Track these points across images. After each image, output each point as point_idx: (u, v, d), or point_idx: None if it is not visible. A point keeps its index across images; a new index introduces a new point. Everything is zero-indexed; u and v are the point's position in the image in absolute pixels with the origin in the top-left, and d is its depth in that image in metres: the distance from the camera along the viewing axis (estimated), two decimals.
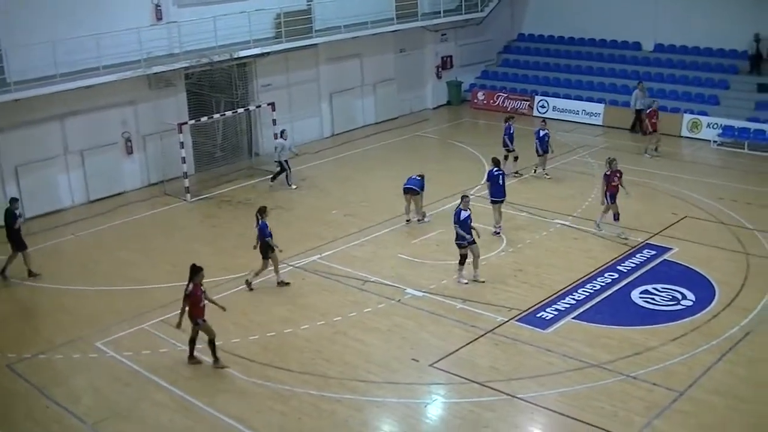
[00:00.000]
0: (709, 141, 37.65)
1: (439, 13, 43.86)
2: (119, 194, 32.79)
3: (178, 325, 19.26)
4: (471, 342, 20.34)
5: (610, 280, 23.52)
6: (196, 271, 19.30)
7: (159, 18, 33.45)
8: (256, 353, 20.18)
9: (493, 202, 27.08)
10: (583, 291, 22.87)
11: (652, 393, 17.91)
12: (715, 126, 37.95)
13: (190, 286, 19.16)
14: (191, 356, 19.84)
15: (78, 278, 25.32)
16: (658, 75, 42.42)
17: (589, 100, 42.72)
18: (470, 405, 17.89)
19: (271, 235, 23.38)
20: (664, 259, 24.98)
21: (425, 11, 43.86)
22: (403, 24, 42.03)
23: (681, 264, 24.61)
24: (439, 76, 46.27)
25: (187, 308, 19.17)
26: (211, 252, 26.75)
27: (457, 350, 19.99)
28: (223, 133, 36.25)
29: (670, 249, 25.58)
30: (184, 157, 31.81)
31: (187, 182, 31.77)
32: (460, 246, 23.08)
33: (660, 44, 44.11)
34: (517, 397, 17.98)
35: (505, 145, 32.87)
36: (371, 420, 17.79)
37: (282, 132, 32.66)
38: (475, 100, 45.97)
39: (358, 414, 17.78)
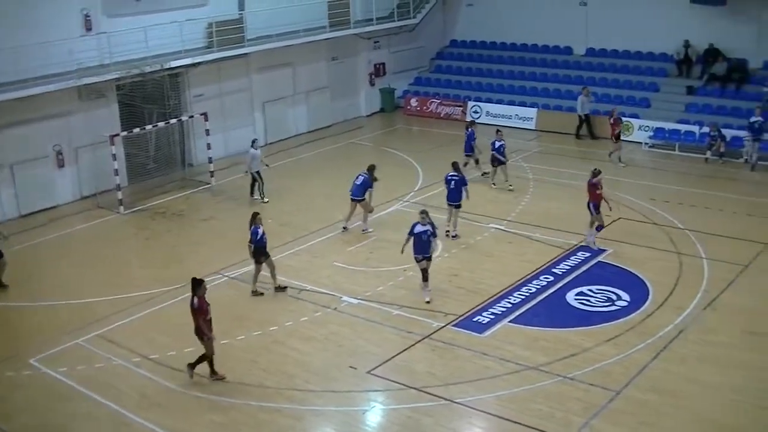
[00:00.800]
0: (641, 143, 38.12)
1: (372, 20, 43.87)
2: (52, 208, 32.19)
3: (208, 339, 18.98)
4: (408, 348, 20.33)
5: (545, 283, 23.66)
6: (198, 284, 18.93)
7: (89, 28, 32.88)
8: None
9: (448, 205, 27.25)
10: (519, 294, 22.96)
11: (589, 393, 18.05)
12: (647, 128, 38.42)
13: (195, 300, 18.83)
14: (213, 372, 19.37)
15: (11, 294, 24.84)
16: (590, 79, 42.80)
17: (522, 104, 42.98)
18: (408, 411, 17.87)
19: (263, 241, 23.17)
20: (599, 261, 25.21)
21: (358, 19, 43.77)
22: (335, 32, 41.89)
23: (615, 265, 24.88)
24: (372, 84, 46.20)
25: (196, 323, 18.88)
26: (144, 264, 26.45)
27: (394, 357, 19.97)
28: (156, 145, 35.82)
29: (605, 251, 25.82)
30: (116, 169, 31.31)
31: (120, 194, 31.28)
32: (415, 260, 22.87)
33: (591, 48, 44.59)
34: (455, 402, 17.98)
35: (467, 151, 33.11)
36: (311, 429, 17.71)
37: (253, 142, 32.13)
38: (409, 107, 46.00)
39: (298, 423, 17.67)
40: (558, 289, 23.36)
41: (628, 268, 24.52)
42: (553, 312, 22.07)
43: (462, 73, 47.18)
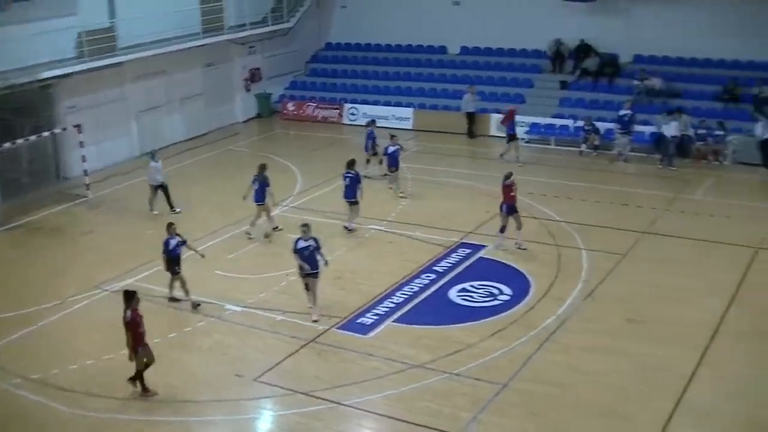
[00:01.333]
0: (518, 138, 38.54)
1: (245, 25, 43.41)
2: None
3: (132, 358, 18.31)
4: (293, 353, 20.04)
5: (427, 281, 23.64)
6: (131, 296, 18.40)
7: None
8: (76, 382, 19.17)
9: (345, 201, 27.56)
10: (402, 294, 22.89)
11: (476, 388, 18.08)
12: (523, 124, 38.87)
13: (128, 312, 18.24)
14: (144, 389, 18.68)
15: None
16: (465, 77, 43.13)
17: (398, 105, 43.08)
18: (297, 416, 17.62)
19: (176, 252, 22.49)
20: (480, 257, 25.34)
21: (231, 24, 43.26)
22: (209, 38, 41.23)
23: (496, 260, 25.06)
24: (248, 89, 45.61)
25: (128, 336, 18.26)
26: (23, 282, 25.52)
27: (280, 362, 19.65)
28: (29, 158, 34.68)
29: (485, 246, 25.97)
30: None
31: None
32: (300, 275, 22.08)
33: (465, 47, 44.99)
34: (343, 404, 17.80)
35: (367, 149, 33.09)
36: None
37: (153, 154, 31.09)
38: (285, 111, 45.64)
39: None
40: (440, 286, 23.36)
41: (508, 263, 24.72)
42: (436, 309, 22.05)
43: (338, 75, 47.06)
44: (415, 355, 19.54)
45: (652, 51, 40.25)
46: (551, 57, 41.87)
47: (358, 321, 21.42)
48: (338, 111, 44.11)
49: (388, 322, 21.34)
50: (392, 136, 32.08)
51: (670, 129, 34.09)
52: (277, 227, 27.73)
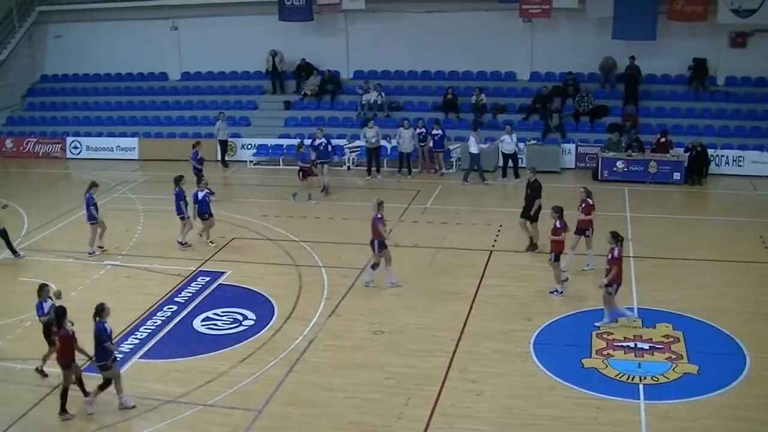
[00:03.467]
0: (246, 161, 38.65)
1: None
2: None
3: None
4: (39, 402, 18.92)
5: (169, 314, 23.15)
6: (64, 313, 17.90)
7: None
8: None
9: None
10: (145, 329, 22.25)
11: (231, 416, 17.88)
12: (250, 146, 39.03)
13: (62, 330, 17.46)
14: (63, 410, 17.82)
15: None
16: (188, 103, 42.93)
17: (123, 135, 42.13)
18: None
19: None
20: (219, 284, 25.12)
21: None
22: None
23: (236, 285, 24.91)
24: None
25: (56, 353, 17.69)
26: None
27: (25, 413, 18.49)
28: None
29: (224, 273, 25.80)
30: None
31: None
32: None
33: (186, 72, 44.67)
34: None
35: (194, 171, 32.37)
36: None
37: None
38: (4, 149, 43.55)
39: None
40: (183, 317, 22.94)
41: (249, 287, 24.63)
42: (182, 341, 21.63)
43: (57, 108, 45.36)
44: (166, 390, 19.05)
45: (372, 66, 41.47)
46: (270, 72, 42.34)
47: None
48: (60, 145, 42.53)
49: (135, 359, 20.68)
50: (199, 181, 29.69)
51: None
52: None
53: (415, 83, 41.26)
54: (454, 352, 20.29)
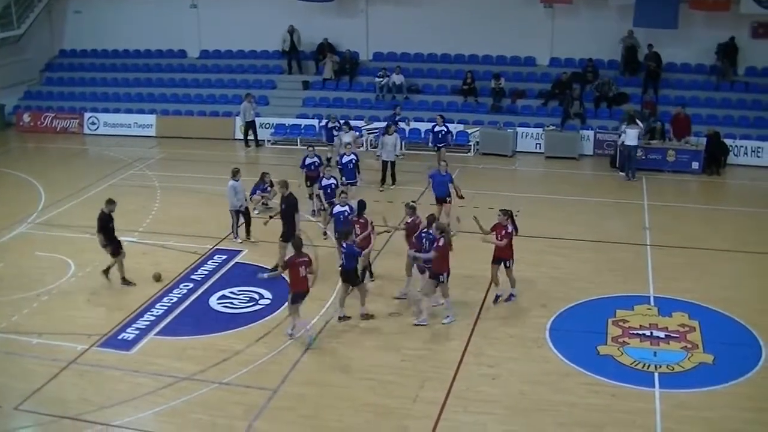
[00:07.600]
0: (264, 141, 38.66)
1: None
2: None
3: None
4: (55, 377, 19.06)
5: (186, 291, 23.25)
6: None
7: None
8: None
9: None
10: (161, 306, 22.36)
11: (247, 395, 17.97)
12: (268, 126, 39.01)
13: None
14: None
15: None
16: (206, 81, 42.92)
17: (140, 112, 42.16)
18: None
19: None
20: (236, 262, 25.19)
21: None
22: None
23: (252, 264, 24.92)
24: None
25: None
26: None
27: (41, 387, 18.63)
28: None
29: (240, 251, 25.86)
30: None
31: None
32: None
33: (205, 50, 44.58)
34: (112, 425, 17.16)
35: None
36: None
37: None
38: (21, 123, 43.49)
39: None
40: (200, 295, 23.03)
41: (266, 267, 24.58)
42: (198, 319, 21.73)
43: (75, 84, 45.27)
44: (182, 368, 19.17)
45: (391, 48, 41.41)
46: (286, 53, 42.33)
47: (120, 337, 20.73)
48: (78, 121, 42.55)
49: (151, 335, 20.79)
50: (309, 146, 29.64)
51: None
52: None
53: (434, 66, 41.14)
54: (470, 336, 20.37)
